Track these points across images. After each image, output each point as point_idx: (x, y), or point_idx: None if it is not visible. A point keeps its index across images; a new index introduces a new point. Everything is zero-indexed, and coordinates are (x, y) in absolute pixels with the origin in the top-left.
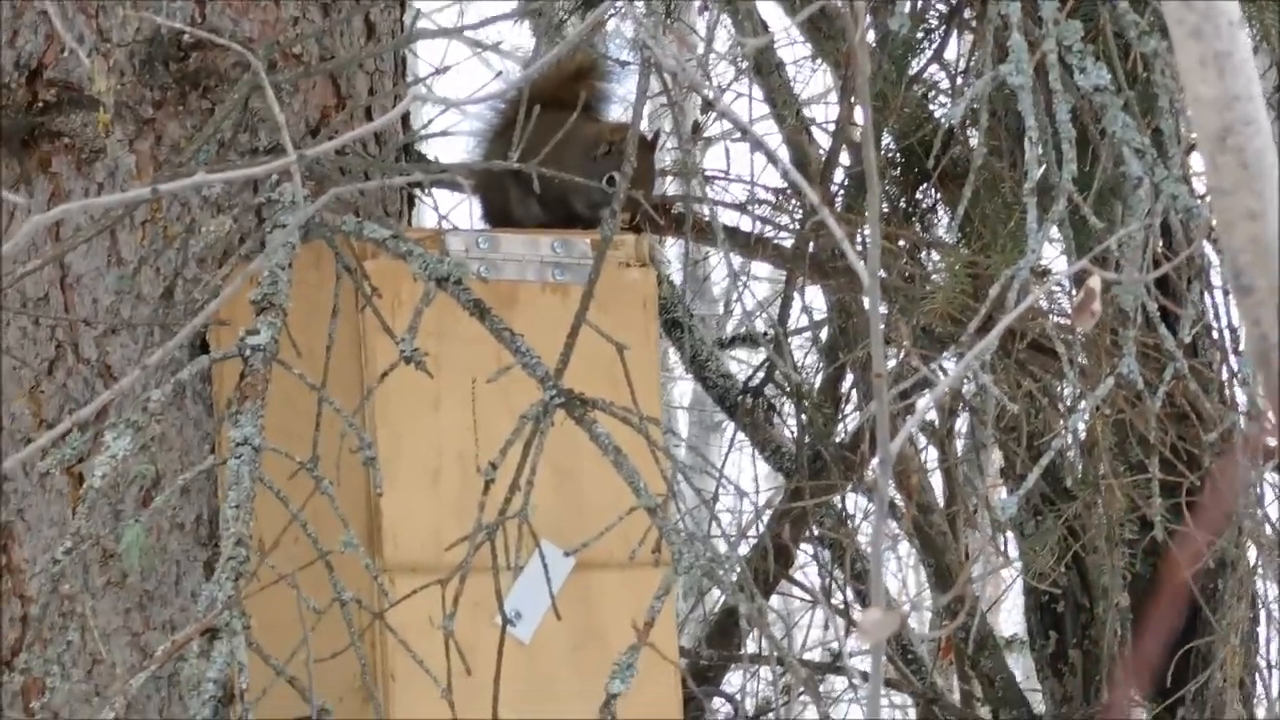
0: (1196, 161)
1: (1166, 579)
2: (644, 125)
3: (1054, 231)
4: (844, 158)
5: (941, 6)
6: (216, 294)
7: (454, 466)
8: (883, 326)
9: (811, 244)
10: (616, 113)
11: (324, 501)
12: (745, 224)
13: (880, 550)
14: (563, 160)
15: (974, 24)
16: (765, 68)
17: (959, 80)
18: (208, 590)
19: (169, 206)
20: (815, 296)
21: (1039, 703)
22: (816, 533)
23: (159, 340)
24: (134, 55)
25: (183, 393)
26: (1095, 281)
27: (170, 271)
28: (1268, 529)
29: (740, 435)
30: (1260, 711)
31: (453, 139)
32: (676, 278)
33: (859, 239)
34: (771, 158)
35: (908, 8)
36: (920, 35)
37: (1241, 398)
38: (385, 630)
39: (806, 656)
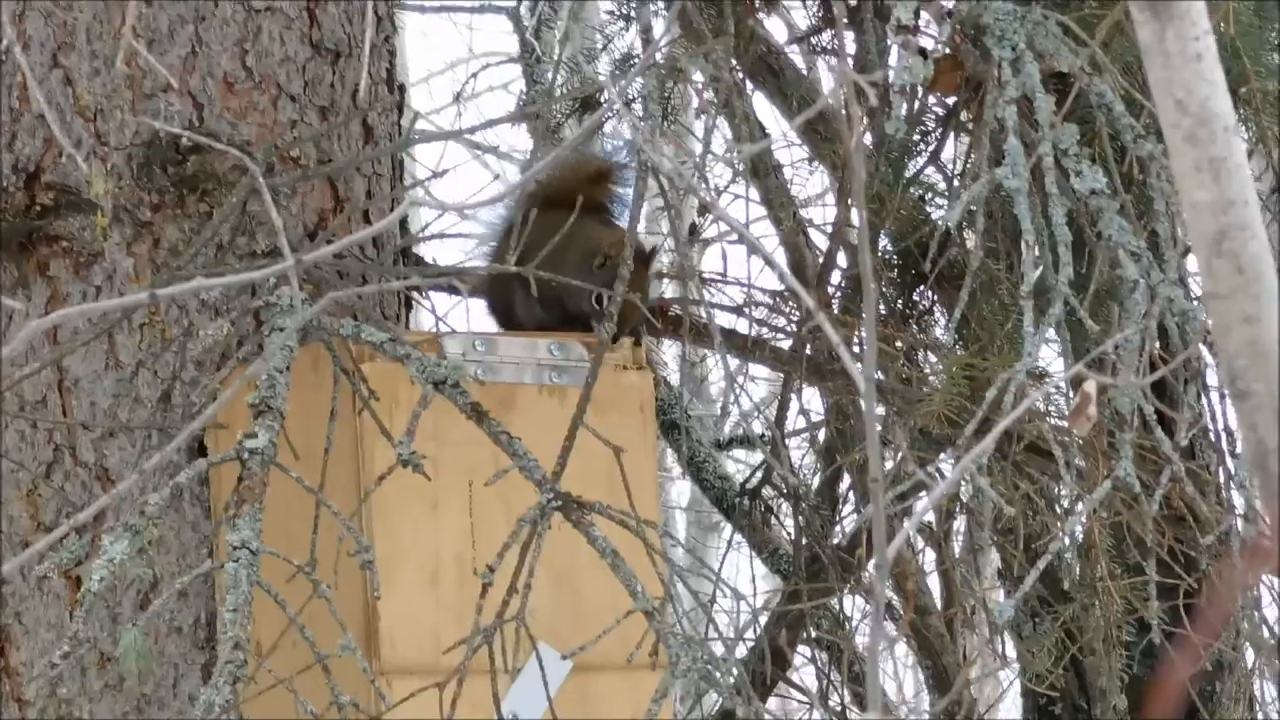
0: (1193, 264)
1: (1162, 682)
2: (643, 233)
3: (1051, 334)
4: (841, 259)
5: (938, 110)
6: (214, 397)
7: (452, 569)
8: (880, 429)
9: (808, 346)
10: (626, 215)
11: (322, 604)
12: (742, 326)
13: (877, 654)
14: (564, 263)
15: (970, 127)
16: (762, 170)
17: (955, 183)
18: (205, 694)
19: (167, 310)
20: (812, 398)
21: None
22: (814, 635)
23: (157, 443)
24: (132, 159)
25: (180, 496)
26: (1091, 386)
27: (168, 375)
28: (1265, 632)
29: (738, 537)
30: None
31: (450, 241)
32: (674, 379)
33: (856, 341)
34: (769, 261)
35: (904, 111)
36: (917, 138)
37: (1239, 501)
38: None
39: None
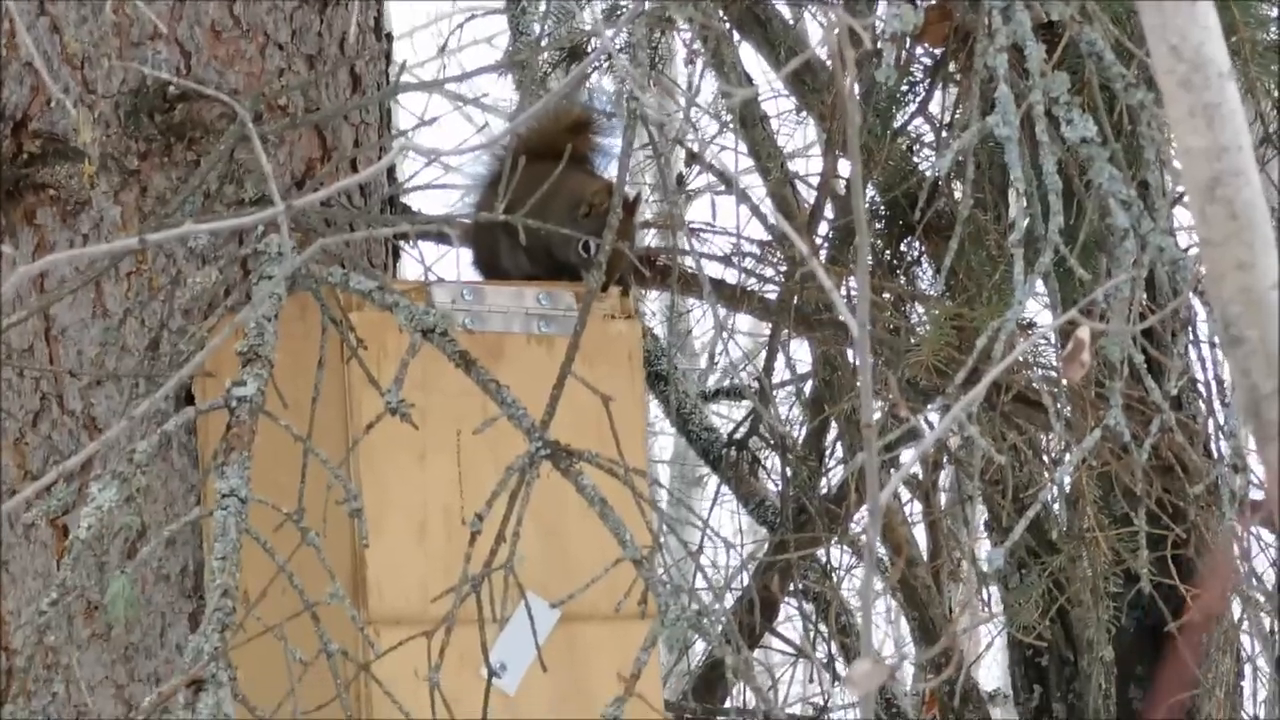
0: (1182, 214)
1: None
2: (626, 184)
3: (1039, 285)
4: (828, 211)
5: (925, 60)
6: (202, 346)
7: (439, 518)
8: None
9: (796, 297)
10: (609, 166)
11: (310, 553)
12: (730, 277)
13: (870, 601)
14: (549, 213)
15: (958, 77)
16: (749, 121)
17: (943, 133)
18: (194, 642)
19: (154, 258)
20: (798, 350)
21: None
22: (800, 586)
23: (144, 392)
24: (119, 107)
25: (168, 444)
26: (1084, 332)
27: (156, 323)
28: (1253, 583)
29: (723, 489)
30: None
31: (437, 191)
32: (659, 330)
33: (844, 291)
34: (756, 211)
35: (893, 60)
36: (905, 88)
37: (1226, 450)
38: (371, 682)
39: (789, 711)
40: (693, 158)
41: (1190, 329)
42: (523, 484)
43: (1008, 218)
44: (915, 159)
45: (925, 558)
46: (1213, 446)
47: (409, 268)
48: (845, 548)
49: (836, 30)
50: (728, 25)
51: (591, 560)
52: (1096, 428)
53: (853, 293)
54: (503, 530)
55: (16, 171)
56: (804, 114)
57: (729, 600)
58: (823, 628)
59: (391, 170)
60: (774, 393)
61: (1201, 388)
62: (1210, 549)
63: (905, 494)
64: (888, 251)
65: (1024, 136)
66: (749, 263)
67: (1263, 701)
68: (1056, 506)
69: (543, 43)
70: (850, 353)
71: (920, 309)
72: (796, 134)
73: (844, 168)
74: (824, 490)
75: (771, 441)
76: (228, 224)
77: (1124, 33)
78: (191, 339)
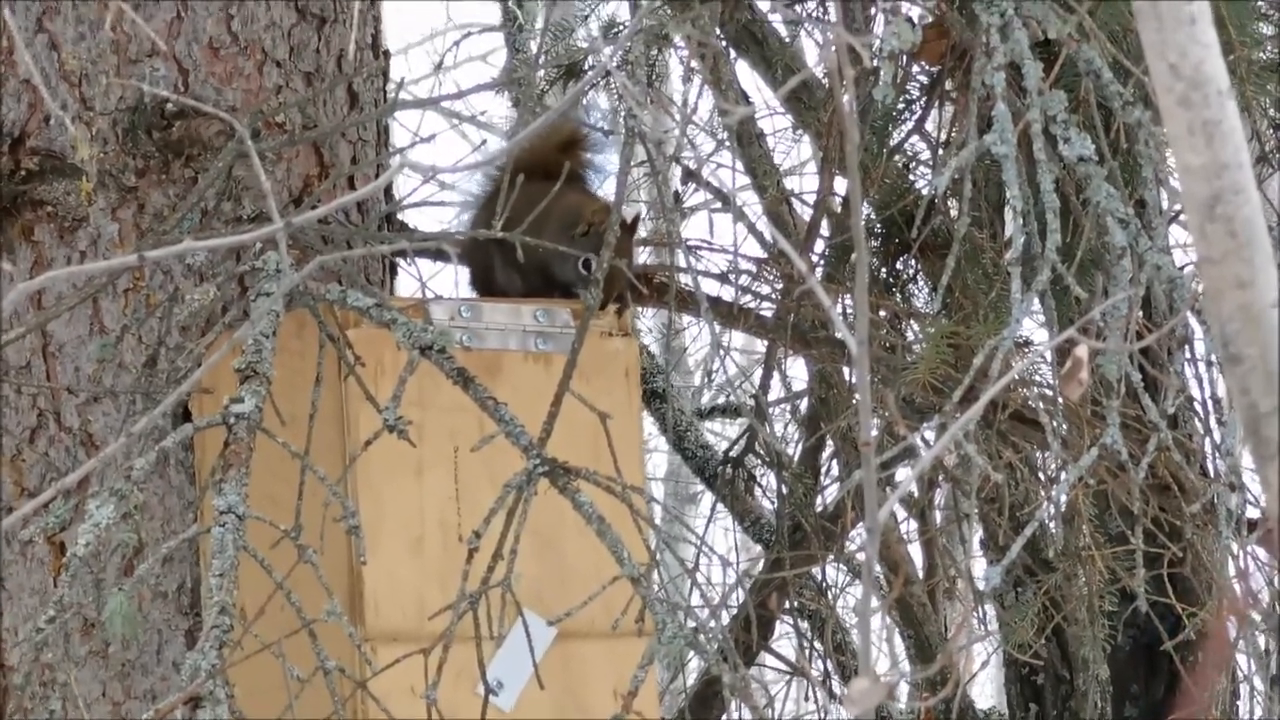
0: (1179, 232)
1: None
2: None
3: (1035, 302)
4: (824, 228)
5: (923, 78)
6: (200, 362)
7: (436, 535)
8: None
9: (793, 314)
10: (602, 184)
11: (307, 570)
12: (726, 294)
13: (868, 619)
14: (543, 232)
15: (955, 95)
16: (746, 138)
17: (940, 151)
18: (191, 659)
19: (152, 275)
20: (794, 367)
21: None
22: (796, 603)
23: (142, 409)
24: (117, 123)
25: (165, 461)
26: (1082, 350)
27: (153, 340)
28: (1249, 602)
29: (718, 507)
30: None
31: (434, 208)
32: (656, 348)
33: (841, 308)
34: (753, 229)
35: (889, 78)
36: (901, 106)
37: (1223, 469)
38: (368, 699)
39: None
40: (690, 175)
41: (1187, 347)
42: (520, 501)
43: (1005, 236)
44: (912, 176)
45: (921, 576)
46: (1209, 465)
47: (406, 285)
48: (841, 565)
49: (834, 48)
50: (724, 43)
51: (588, 577)
52: (1093, 446)
53: (850, 310)
54: (500, 547)
55: (14, 188)
56: (800, 131)
57: (725, 618)
58: (819, 645)
59: (389, 187)
60: (770, 410)
61: (1198, 406)
62: (1208, 571)
63: (902, 512)
64: (884, 269)
65: (1021, 154)
66: (745, 280)
67: None
68: (1053, 525)
69: (540, 60)
70: (847, 370)
71: (917, 327)
72: (793, 151)
73: (841, 185)
74: (820, 508)
75: (767, 459)
76: (226, 241)
77: (1121, 50)
78: (189, 356)
